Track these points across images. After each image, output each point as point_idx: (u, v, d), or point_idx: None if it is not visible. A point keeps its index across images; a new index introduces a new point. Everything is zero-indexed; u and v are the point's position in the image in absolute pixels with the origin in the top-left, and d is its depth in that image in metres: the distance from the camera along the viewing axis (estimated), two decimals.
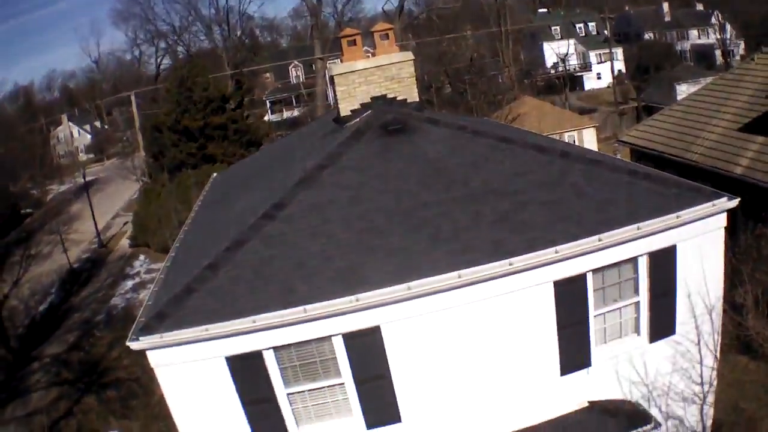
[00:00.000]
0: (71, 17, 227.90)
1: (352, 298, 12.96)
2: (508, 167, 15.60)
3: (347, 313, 13.14)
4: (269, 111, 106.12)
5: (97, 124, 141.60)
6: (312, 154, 18.43)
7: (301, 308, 12.94)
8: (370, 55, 20.21)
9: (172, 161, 57.56)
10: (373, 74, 18.47)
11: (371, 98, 18.49)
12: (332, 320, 13.19)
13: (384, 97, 18.50)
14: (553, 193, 14.79)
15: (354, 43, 18.92)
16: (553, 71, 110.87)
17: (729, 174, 26.72)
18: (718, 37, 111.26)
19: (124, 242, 69.13)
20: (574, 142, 65.30)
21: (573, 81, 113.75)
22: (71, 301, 56.99)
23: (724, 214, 14.84)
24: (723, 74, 34.79)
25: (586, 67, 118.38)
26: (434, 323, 13.57)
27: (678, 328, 15.13)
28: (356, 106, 18.56)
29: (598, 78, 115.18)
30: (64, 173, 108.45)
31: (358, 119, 18.20)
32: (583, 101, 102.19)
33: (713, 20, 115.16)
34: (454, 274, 13.06)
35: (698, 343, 15.26)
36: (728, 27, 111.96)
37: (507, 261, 13.18)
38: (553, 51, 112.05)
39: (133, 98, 74.24)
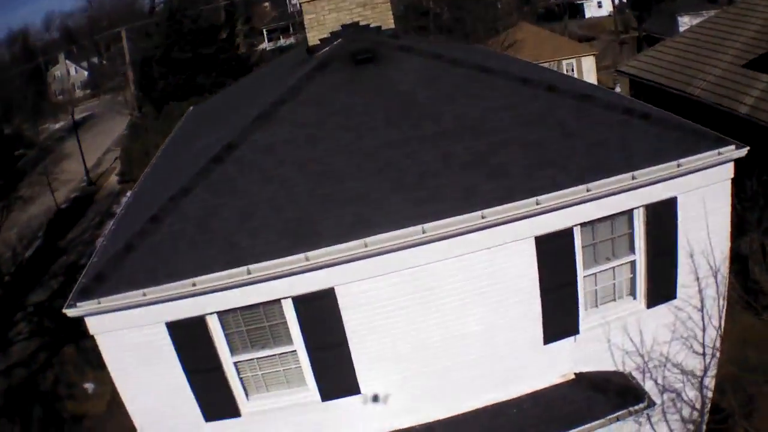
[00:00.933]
0: None
1: (302, 256, 11.34)
2: (485, 101, 13.74)
3: (296, 274, 11.53)
4: (266, 40, 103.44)
5: (95, 60, 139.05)
6: (276, 87, 16.63)
7: (244, 268, 11.38)
8: None
9: (161, 94, 56.32)
10: (344, 0, 16.61)
11: (341, 26, 16.68)
12: (280, 281, 11.61)
13: (355, 24, 16.71)
14: (536, 132, 12.97)
15: None
16: None
17: (733, 112, 25.01)
18: None
19: (113, 179, 67.66)
20: (573, 70, 63.36)
21: (573, 8, 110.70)
22: (59, 243, 55.49)
23: (731, 164, 12.98)
24: (728, 7, 32.68)
25: None
26: (396, 284, 11.93)
27: (679, 291, 13.39)
28: (325, 35, 16.76)
29: (599, 6, 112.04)
30: (59, 111, 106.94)
31: (327, 48, 16.32)
32: (584, 29, 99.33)
33: None
34: (418, 228, 11.35)
35: (701, 309, 13.57)
36: None
37: (479, 213, 11.45)
38: None
39: (123, 33, 72.05)
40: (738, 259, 18.25)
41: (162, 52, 54.71)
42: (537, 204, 11.53)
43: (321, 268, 11.47)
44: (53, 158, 73.73)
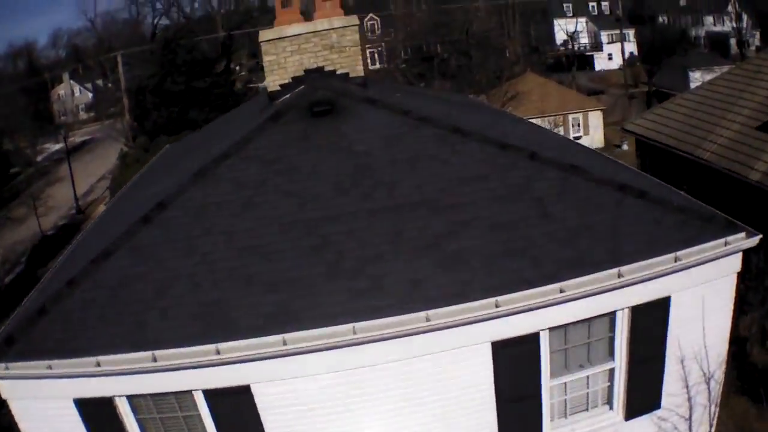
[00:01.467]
0: None
1: (212, 347, 9.48)
2: (453, 170, 11.83)
3: (206, 367, 9.59)
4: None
5: (100, 82, 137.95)
6: (227, 137, 14.91)
7: (149, 354, 9.59)
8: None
9: (154, 126, 54.83)
10: (309, 41, 14.81)
11: (305, 71, 14.83)
12: (190, 372, 9.72)
13: (320, 69, 14.84)
14: (508, 211, 11.03)
15: (289, 3, 15.19)
16: (562, 49, 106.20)
17: (744, 179, 23.22)
18: (734, 25, 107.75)
19: (102, 209, 65.84)
20: (579, 125, 61.75)
21: (583, 60, 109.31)
22: (38, 272, 53.61)
23: (739, 255, 10.98)
24: (741, 64, 31.04)
25: (597, 46, 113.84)
26: (323, 388, 9.95)
27: (664, 400, 11.32)
28: (287, 80, 14.85)
29: (609, 59, 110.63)
30: (60, 132, 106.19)
31: (288, 95, 14.47)
32: (593, 82, 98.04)
33: (729, 8, 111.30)
34: (349, 327, 9.39)
35: (689, 418, 11.51)
36: (744, 16, 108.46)
37: (424, 314, 9.48)
38: (562, 28, 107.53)
39: (119, 58, 70.54)
40: (734, 341, 16.26)
41: (155, 82, 53.21)
42: (496, 306, 9.53)
43: (234, 363, 9.57)
44: (48, 180, 73.00)
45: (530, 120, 57.26)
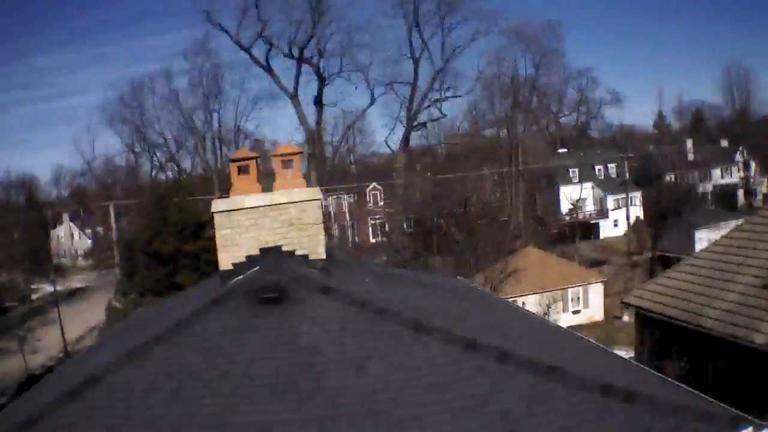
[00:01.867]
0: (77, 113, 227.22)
1: None
2: (406, 374, 10.30)
3: None
4: None
5: (100, 229, 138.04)
6: (170, 318, 13.41)
7: None
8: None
9: (142, 285, 53.36)
10: (266, 215, 13.55)
11: (260, 250, 13.54)
12: None
13: (278, 248, 13.55)
14: (467, 427, 9.41)
15: (246, 170, 13.99)
16: (567, 218, 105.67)
17: (748, 344, 21.70)
18: (742, 175, 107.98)
19: None
20: (579, 299, 60.70)
21: (588, 229, 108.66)
22: None
23: None
24: (745, 221, 29.69)
25: (603, 213, 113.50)
26: None
27: None
28: (241, 259, 13.54)
29: (615, 225, 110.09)
30: (56, 274, 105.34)
31: (241, 277, 13.11)
32: (597, 251, 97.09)
33: (737, 157, 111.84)
34: None
35: None
36: (752, 164, 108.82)
37: None
38: (566, 197, 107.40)
39: (111, 209, 69.88)
40: None
41: (145, 239, 52.05)
42: None
43: None
44: (42, 320, 74.57)
45: (528, 296, 56.82)
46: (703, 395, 10.60)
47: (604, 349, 14.42)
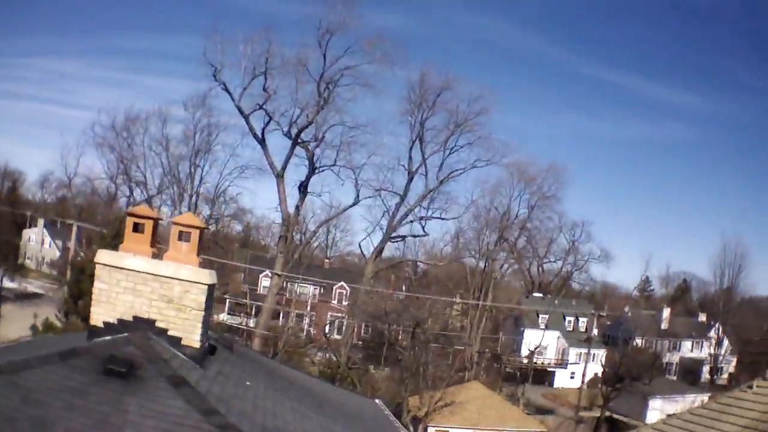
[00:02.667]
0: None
1: None
2: None
3: None
4: (226, 313, 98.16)
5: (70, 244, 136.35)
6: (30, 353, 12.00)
7: None
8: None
9: (85, 311, 51.44)
10: (147, 284, 12.27)
11: (134, 317, 12.17)
12: None
13: (152, 322, 12.21)
14: None
15: (141, 229, 12.67)
16: (525, 360, 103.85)
17: None
18: (712, 352, 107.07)
19: None
20: None
21: (544, 375, 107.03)
22: None
23: None
24: (707, 402, 27.95)
25: (563, 363, 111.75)
26: None
27: None
28: (113, 319, 12.18)
29: (571, 377, 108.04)
30: (19, 273, 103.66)
31: (108, 338, 11.78)
32: (548, 398, 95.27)
33: (711, 333, 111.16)
34: None
35: None
36: (725, 342, 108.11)
37: None
38: (531, 340, 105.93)
39: (74, 229, 68.26)
40: None
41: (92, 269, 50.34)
42: None
43: None
44: None
45: (461, 429, 55.16)
46: None
47: None
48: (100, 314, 12.26)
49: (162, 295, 12.14)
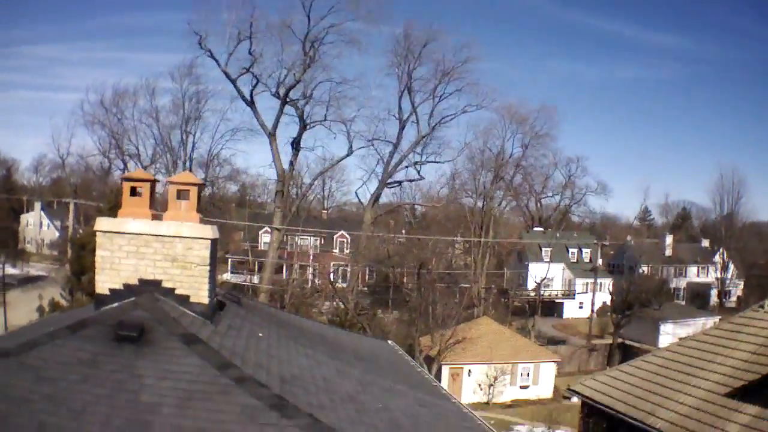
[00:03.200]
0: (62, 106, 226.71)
1: None
2: None
3: None
4: (229, 272, 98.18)
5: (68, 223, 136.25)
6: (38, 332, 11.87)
7: None
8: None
9: (89, 287, 51.40)
10: (150, 245, 12.03)
11: (139, 281, 11.95)
12: None
13: (158, 283, 11.98)
14: None
15: (138, 192, 12.44)
16: (532, 293, 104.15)
17: None
18: (718, 276, 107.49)
19: None
20: (529, 375, 59.01)
21: (552, 307, 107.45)
22: None
23: None
24: (720, 323, 28.08)
25: (570, 294, 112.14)
26: None
27: None
28: (119, 285, 11.95)
29: (580, 307, 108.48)
30: (20, 258, 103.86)
31: (115, 305, 11.55)
32: (558, 329, 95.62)
33: (716, 258, 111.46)
34: None
35: None
36: (731, 266, 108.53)
37: None
38: (532, 276, 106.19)
39: (71, 206, 67.91)
40: None
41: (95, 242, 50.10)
42: None
43: None
44: None
45: (475, 365, 55.46)
46: None
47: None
48: (105, 282, 12.02)
49: (166, 254, 11.92)
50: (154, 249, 11.93)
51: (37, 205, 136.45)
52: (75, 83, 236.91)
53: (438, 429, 12.78)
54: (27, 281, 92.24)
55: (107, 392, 9.51)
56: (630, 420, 23.45)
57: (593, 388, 26.95)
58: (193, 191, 12.40)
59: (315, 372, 12.68)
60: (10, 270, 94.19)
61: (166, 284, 11.95)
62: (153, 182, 12.62)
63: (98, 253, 12.20)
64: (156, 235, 11.91)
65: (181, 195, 12.36)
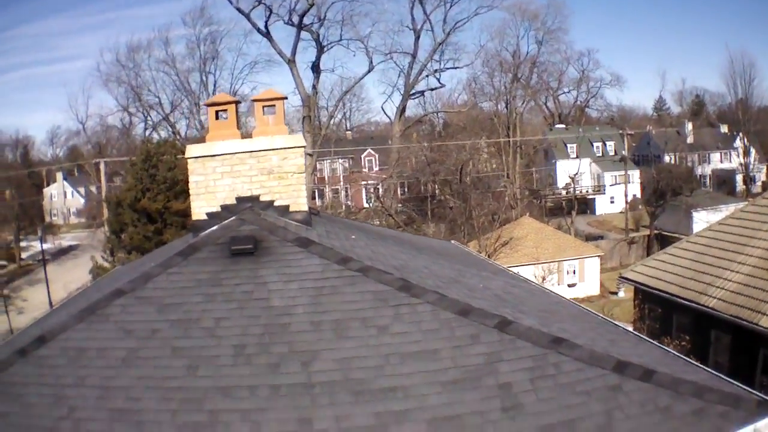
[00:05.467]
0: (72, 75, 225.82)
1: None
2: (393, 341, 9.06)
3: None
4: None
5: (93, 188, 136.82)
6: (136, 272, 12.21)
7: None
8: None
9: (131, 242, 51.95)
10: (244, 162, 12.26)
11: (237, 198, 12.21)
12: None
13: (255, 198, 12.25)
14: (461, 400, 8.24)
15: (225, 115, 12.66)
16: (564, 192, 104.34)
17: (753, 326, 20.52)
18: (741, 161, 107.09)
19: None
20: (575, 271, 59.02)
21: (585, 204, 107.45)
22: None
23: None
24: (752, 201, 28.31)
25: (600, 189, 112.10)
26: None
27: None
28: (215, 208, 12.23)
29: (612, 202, 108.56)
30: (48, 232, 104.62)
31: (215, 227, 11.79)
32: (593, 226, 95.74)
33: (737, 143, 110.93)
34: None
35: None
36: (752, 151, 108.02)
37: None
38: (564, 170, 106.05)
39: (102, 167, 68.28)
40: None
41: (133, 196, 50.60)
42: None
43: None
44: (29, 280, 75.21)
45: (523, 266, 55.58)
46: (725, 378, 9.38)
47: (615, 324, 13.17)
48: (201, 207, 12.27)
49: (261, 168, 12.16)
50: (249, 165, 12.17)
51: (59, 176, 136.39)
52: (84, 51, 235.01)
53: (534, 302, 13.08)
54: (61, 254, 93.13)
55: (237, 305, 9.83)
56: (684, 301, 23.95)
57: (645, 273, 27.37)
58: (279, 105, 12.65)
59: (415, 262, 13.03)
60: (39, 247, 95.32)
61: (264, 198, 12.22)
62: (237, 103, 12.82)
63: (192, 179, 12.43)
64: (251, 151, 12.14)
65: (267, 110, 12.58)
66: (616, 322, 14.32)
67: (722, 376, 9.36)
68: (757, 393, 8.79)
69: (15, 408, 8.69)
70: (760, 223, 24.54)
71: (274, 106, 12.60)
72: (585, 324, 12.16)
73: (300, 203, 12.32)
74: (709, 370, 9.78)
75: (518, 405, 8.21)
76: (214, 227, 11.79)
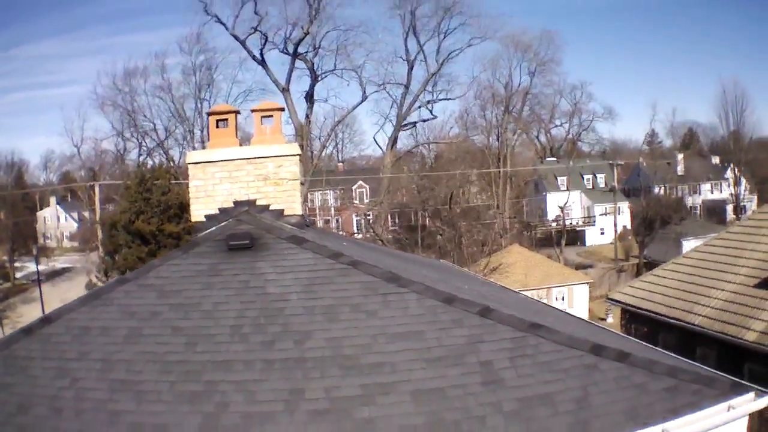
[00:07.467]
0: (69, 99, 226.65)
1: None
2: (380, 324, 9.70)
3: None
4: None
5: (86, 214, 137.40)
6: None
7: None
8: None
9: (125, 263, 52.59)
10: (241, 168, 12.98)
11: (234, 202, 12.91)
12: None
13: (252, 202, 12.95)
14: (444, 375, 8.86)
15: (225, 123, 13.38)
16: (554, 224, 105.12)
17: (738, 341, 21.02)
18: (732, 192, 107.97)
19: None
20: (564, 298, 59.51)
21: (574, 236, 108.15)
22: None
23: (745, 420, 8.88)
24: (741, 220, 28.98)
25: (590, 221, 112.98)
26: None
27: None
28: (214, 211, 12.92)
29: (602, 233, 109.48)
30: (44, 254, 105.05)
31: (213, 228, 12.48)
32: (582, 256, 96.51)
33: (728, 174, 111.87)
34: None
35: None
36: (743, 181, 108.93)
37: None
38: (555, 202, 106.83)
39: (96, 189, 69.16)
40: None
41: (127, 218, 51.39)
42: None
43: None
44: (24, 298, 76.20)
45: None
46: (700, 365, 10.02)
47: (592, 323, 13.84)
48: (200, 210, 12.95)
49: (258, 175, 12.83)
50: (246, 171, 12.86)
51: (53, 200, 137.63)
52: (79, 76, 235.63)
53: (522, 306, 13.72)
54: (55, 275, 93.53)
55: (234, 292, 10.49)
56: (669, 320, 24.43)
57: (632, 294, 27.95)
58: (276, 115, 13.41)
59: (404, 266, 13.72)
60: (33, 267, 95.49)
61: (260, 202, 12.90)
62: (236, 113, 13.56)
63: (192, 184, 13.12)
64: (248, 158, 12.84)
65: (264, 120, 13.32)
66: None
67: (698, 365, 9.94)
68: (728, 377, 9.38)
69: (19, 379, 9.34)
70: (746, 242, 25.21)
71: (271, 116, 13.35)
72: (567, 320, 12.84)
73: (294, 208, 12.99)
74: (685, 361, 10.35)
75: (498, 380, 8.81)
76: (213, 228, 12.48)
